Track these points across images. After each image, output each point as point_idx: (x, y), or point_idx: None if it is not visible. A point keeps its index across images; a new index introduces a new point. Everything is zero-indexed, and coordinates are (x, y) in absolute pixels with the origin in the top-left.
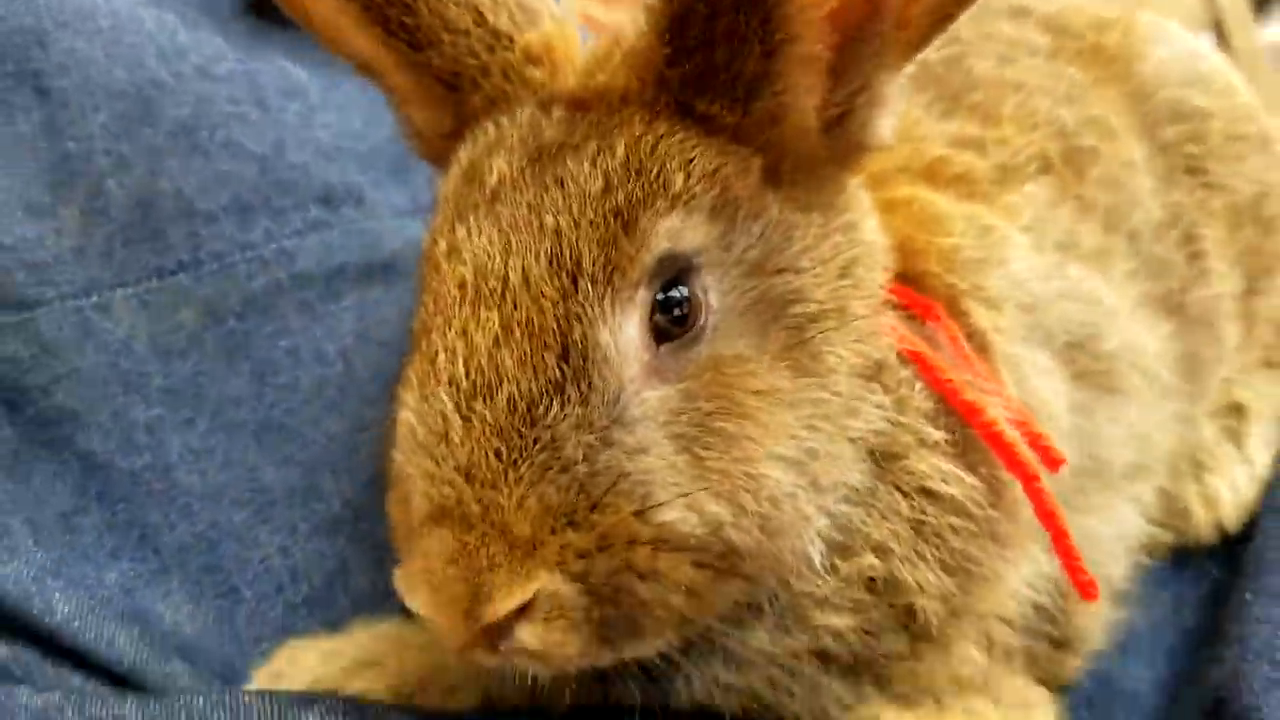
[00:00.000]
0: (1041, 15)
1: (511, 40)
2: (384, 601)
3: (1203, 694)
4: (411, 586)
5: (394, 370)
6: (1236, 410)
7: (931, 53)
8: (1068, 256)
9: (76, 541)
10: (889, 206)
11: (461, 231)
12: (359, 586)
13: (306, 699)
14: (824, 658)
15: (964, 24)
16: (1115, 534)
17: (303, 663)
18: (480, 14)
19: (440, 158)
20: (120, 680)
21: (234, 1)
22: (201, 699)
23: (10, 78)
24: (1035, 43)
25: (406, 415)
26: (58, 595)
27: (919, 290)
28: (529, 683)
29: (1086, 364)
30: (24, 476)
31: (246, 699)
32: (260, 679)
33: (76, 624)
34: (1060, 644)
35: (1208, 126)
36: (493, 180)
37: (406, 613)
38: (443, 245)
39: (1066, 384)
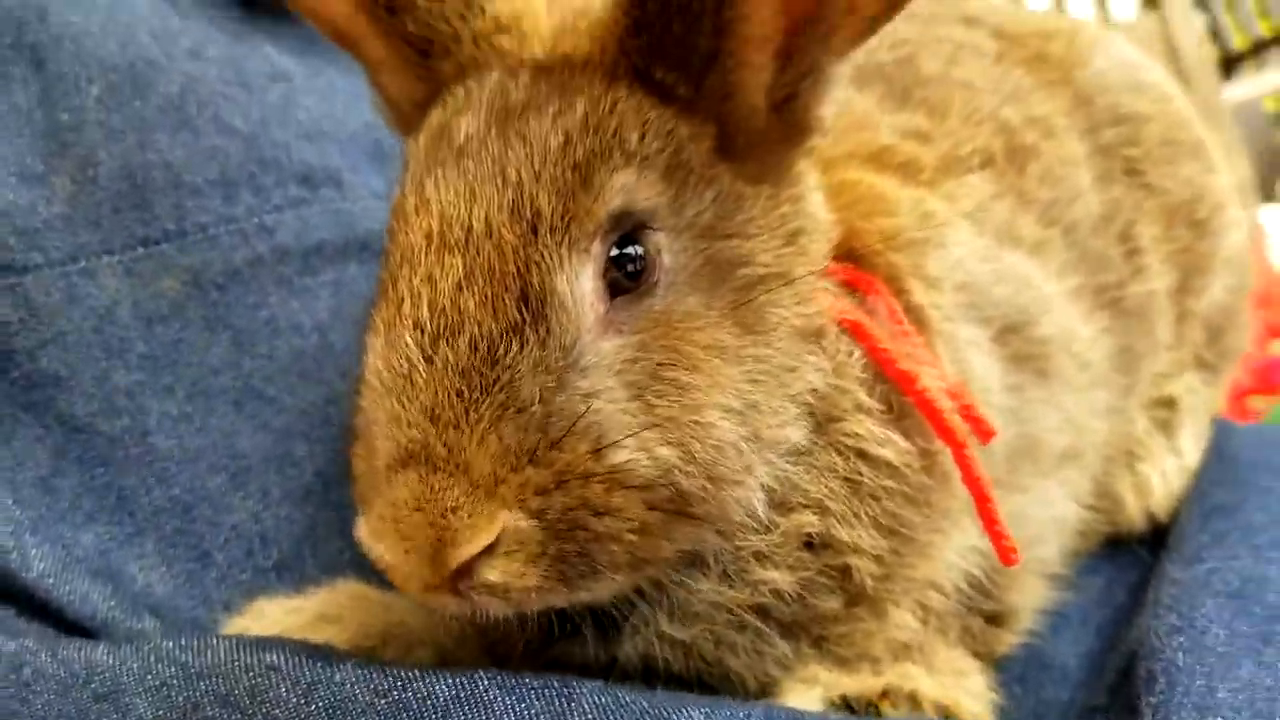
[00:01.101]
0: (991, 23)
1: (483, 9)
2: (351, 568)
3: (1120, 657)
4: (377, 534)
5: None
6: (1168, 403)
7: (884, 53)
8: (1005, 245)
9: (54, 503)
10: (837, 188)
11: (429, 185)
12: (327, 553)
13: (270, 641)
14: (764, 614)
15: (915, 28)
16: (1048, 515)
17: (268, 616)
18: None
19: (411, 127)
20: (92, 635)
21: None
22: (170, 642)
23: (9, 49)
24: (984, 47)
25: (373, 360)
26: (34, 551)
27: (861, 267)
28: (482, 642)
29: (1021, 346)
30: (5, 438)
31: (213, 640)
32: (228, 631)
33: (51, 580)
34: (993, 619)
35: (1145, 130)
36: (460, 138)
37: (370, 577)
38: (411, 200)
39: (1001, 364)
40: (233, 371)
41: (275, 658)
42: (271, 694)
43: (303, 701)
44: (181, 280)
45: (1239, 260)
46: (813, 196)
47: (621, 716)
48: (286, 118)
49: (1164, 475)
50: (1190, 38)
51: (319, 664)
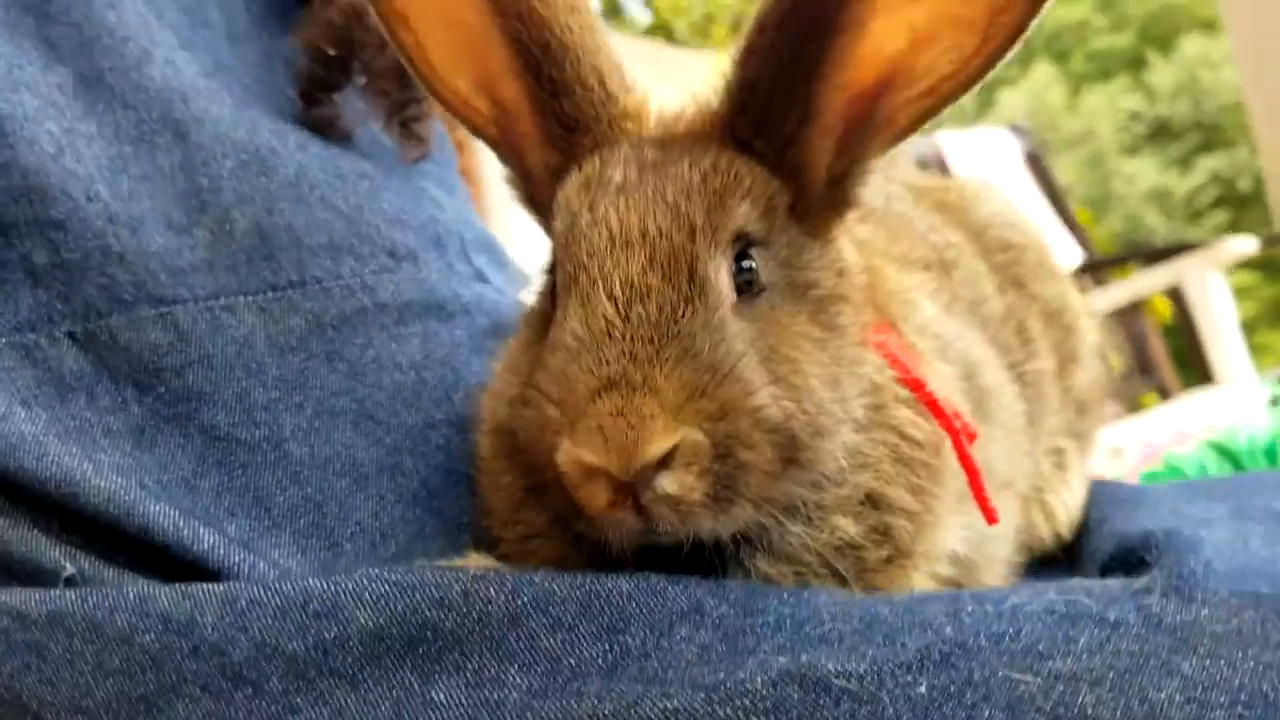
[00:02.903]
0: (899, 179)
1: (617, 99)
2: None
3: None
4: (583, 440)
5: (452, 382)
6: (1059, 452)
7: None
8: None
9: (198, 500)
10: None
11: (600, 209)
12: (435, 549)
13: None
14: (833, 556)
15: None
16: (1001, 526)
17: None
18: (602, 77)
19: (538, 194)
20: None
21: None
22: (376, 569)
23: (157, 121)
24: (903, 194)
25: (571, 324)
26: (202, 531)
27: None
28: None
29: (971, 390)
30: (148, 446)
31: (416, 566)
32: None
33: (220, 552)
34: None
35: (1025, 255)
36: (616, 180)
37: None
38: (585, 218)
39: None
40: (349, 395)
41: (479, 571)
42: (483, 594)
43: (511, 597)
44: (305, 320)
45: (1096, 354)
46: (848, 250)
47: (764, 592)
48: (374, 206)
49: (1064, 504)
50: None
51: (517, 573)
